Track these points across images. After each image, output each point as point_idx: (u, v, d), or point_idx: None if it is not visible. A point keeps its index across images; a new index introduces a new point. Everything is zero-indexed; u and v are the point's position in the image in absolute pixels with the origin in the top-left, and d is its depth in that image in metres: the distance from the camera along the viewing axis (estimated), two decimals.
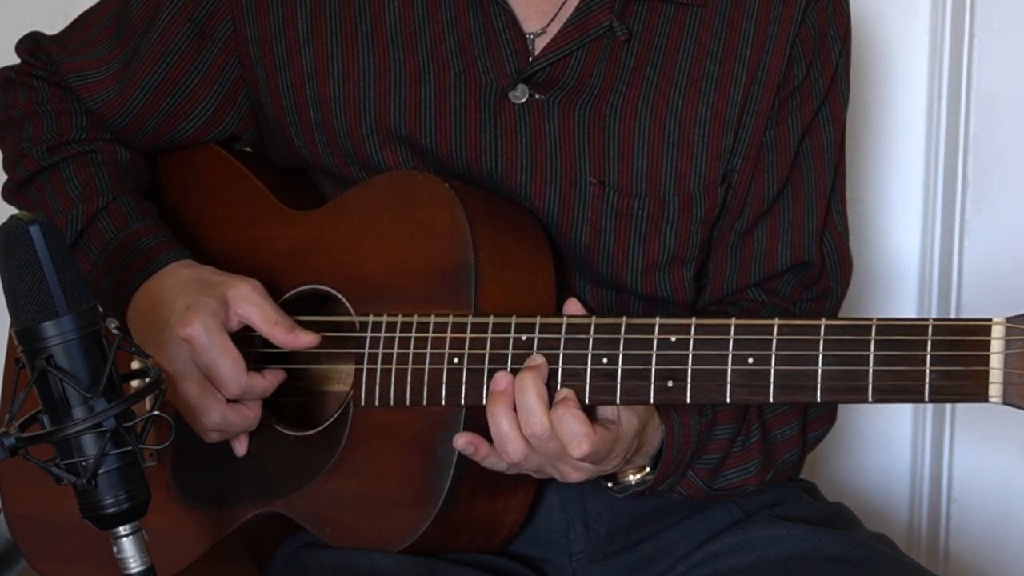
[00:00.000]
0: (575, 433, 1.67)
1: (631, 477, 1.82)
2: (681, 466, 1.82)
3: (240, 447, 1.87)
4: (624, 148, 1.86)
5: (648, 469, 1.82)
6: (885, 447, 2.61)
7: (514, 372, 1.71)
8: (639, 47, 1.87)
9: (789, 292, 1.94)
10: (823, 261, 1.94)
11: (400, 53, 1.88)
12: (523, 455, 1.70)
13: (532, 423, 1.68)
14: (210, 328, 1.79)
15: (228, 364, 1.79)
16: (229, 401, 1.81)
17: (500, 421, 1.70)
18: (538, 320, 1.72)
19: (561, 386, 1.70)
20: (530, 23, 1.88)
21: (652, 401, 1.68)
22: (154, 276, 1.87)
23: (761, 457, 1.87)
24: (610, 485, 1.84)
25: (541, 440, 1.68)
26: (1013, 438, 2.53)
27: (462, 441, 1.73)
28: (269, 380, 1.83)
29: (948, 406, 2.56)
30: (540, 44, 1.88)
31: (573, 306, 1.75)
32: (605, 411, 1.73)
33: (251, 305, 1.81)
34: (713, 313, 1.94)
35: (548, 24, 1.88)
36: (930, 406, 2.58)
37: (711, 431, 1.83)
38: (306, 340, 1.81)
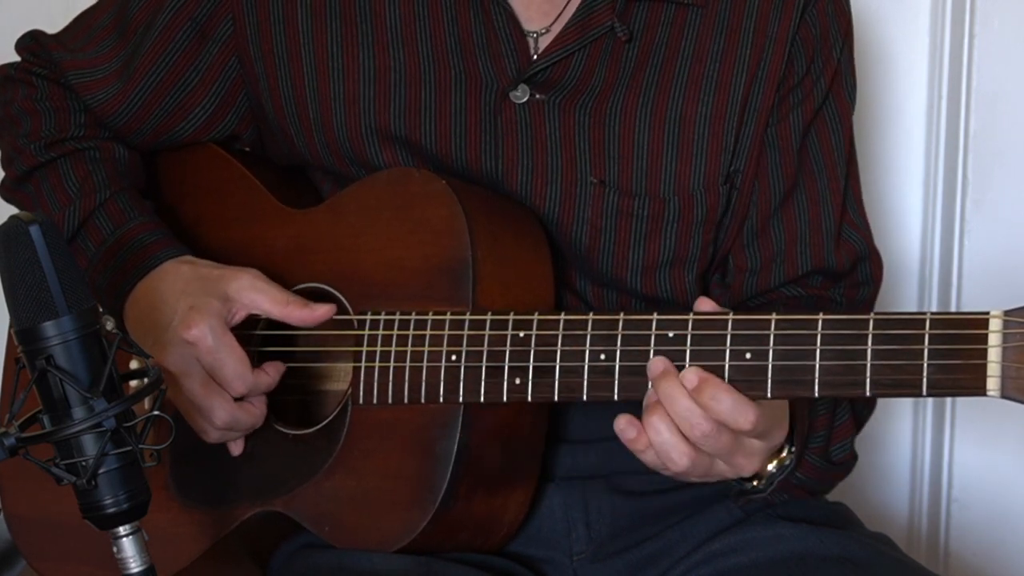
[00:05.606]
0: (738, 405, 1.60)
1: (770, 467, 1.78)
2: (802, 448, 1.79)
3: (236, 447, 1.87)
4: (624, 148, 1.86)
5: (784, 454, 1.77)
6: (885, 447, 2.61)
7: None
8: (640, 47, 1.88)
9: (819, 284, 1.94)
10: (845, 260, 1.94)
11: (400, 53, 1.88)
12: (691, 460, 1.64)
13: (696, 425, 1.62)
14: (215, 329, 1.79)
15: (234, 363, 1.79)
16: (235, 400, 1.81)
17: (659, 429, 1.63)
18: (536, 317, 1.71)
19: (558, 381, 1.69)
20: (531, 23, 1.89)
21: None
22: (152, 273, 1.87)
23: (852, 435, 1.85)
24: (755, 484, 1.79)
25: (711, 437, 1.62)
26: (1013, 438, 2.53)
27: (623, 422, 1.65)
28: (272, 375, 1.83)
29: (948, 406, 2.56)
30: (542, 44, 1.88)
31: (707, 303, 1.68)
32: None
33: (257, 293, 1.81)
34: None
35: (551, 25, 1.88)
36: (930, 406, 2.58)
37: (815, 409, 1.79)
38: (323, 311, 1.80)
